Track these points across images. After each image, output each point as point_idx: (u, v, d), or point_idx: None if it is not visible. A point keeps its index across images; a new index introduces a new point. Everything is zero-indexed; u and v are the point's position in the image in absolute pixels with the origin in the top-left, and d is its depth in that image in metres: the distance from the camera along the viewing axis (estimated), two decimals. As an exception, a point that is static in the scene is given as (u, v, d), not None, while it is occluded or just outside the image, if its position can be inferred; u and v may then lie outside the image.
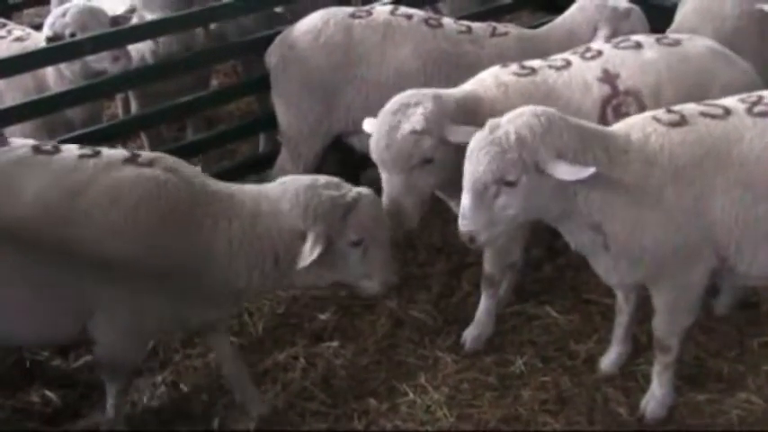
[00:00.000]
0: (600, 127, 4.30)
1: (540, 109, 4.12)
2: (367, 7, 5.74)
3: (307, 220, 4.07)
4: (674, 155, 4.10)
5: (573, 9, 5.88)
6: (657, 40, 5.08)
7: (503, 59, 5.15)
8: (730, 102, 4.32)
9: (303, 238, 4.07)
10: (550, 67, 4.97)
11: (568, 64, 4.97)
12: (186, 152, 5.80)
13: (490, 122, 4.06)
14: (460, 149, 4.19)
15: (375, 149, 4.57)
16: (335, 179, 4.27)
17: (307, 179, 4.27)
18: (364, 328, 5.23)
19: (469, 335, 5.11)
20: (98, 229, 3.93)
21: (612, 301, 4.94)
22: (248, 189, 4.29)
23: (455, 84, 5.04)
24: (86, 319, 4.10)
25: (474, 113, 4.57)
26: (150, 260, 3.96)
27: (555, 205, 4.08)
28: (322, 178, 4.26)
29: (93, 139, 5.20)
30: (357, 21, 5.53)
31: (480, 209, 3.99)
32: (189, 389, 4.86)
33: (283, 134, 5.77)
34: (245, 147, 7.16)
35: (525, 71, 4.92)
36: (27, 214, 3.92)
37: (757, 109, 4.22)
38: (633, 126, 4.25)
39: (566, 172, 3.91)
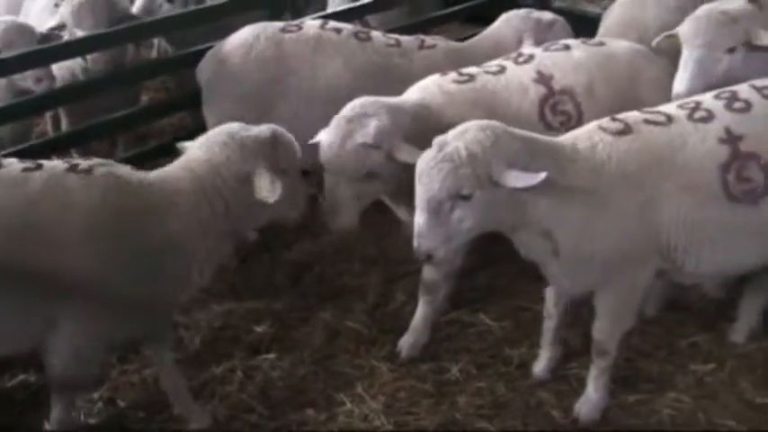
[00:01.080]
0: (546, 137, 4.41)
1: (484, 123, 4.22)
2: (297, 21, 5.81)
3: (247, 160, 4.18)
4: (620, 162, 4.24)
5: (499, 21, 6.07)
6: (583, 42, 5.39)
7: (432, 71, 5.26)
8: (671, 108, 4.51)
9: (248, 179, 4.17)
10: (487, 72, 5.14)
11: (503, 69, 5.15)
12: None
13: (437, 140, 4.13)
14: (408, 166, 4.29)
15: (324, 154, 4.65)
16: (236, 123, 4.41)
17: (223, 129, 4.38)
18: (300, 340, 5.26)
19: (406, 343, 5.16)
20: (54, 240, 3.91)
21: (544, 308, 5.08)
22: (178, 165, 4.35)
23: (386, 97, 5.11)
24: (44, 332, 4.06)
25: (426, 123, 4.66)
26: (111, 263, 3.97)
27: (509, 215, 4.17)
28: (234, 125, 4.39)
29: (22, 157, 5.15)
30: (288, 35, 5.60)
31: (437, 226, 4.06)
32: (126, 404, 4.84)
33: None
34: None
35: (464, 78, 5.06)
36: None
37: (697, 115, 4.39)
38: (579, 136, 4.38)
39: (518, 180, 3.99)
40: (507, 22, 6.03)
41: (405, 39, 5.83)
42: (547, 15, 6.04)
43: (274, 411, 4.77)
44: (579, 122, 4.88)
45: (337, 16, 6.39)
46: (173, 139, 6.52)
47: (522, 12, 6.07)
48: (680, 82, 5.01)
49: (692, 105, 4.47)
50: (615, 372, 4.80)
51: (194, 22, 6.36)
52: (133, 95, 6.52)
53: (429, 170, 4.04)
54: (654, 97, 4.94)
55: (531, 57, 5.24)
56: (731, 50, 4.99)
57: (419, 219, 4.08)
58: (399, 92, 5.15)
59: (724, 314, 5.30)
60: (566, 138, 4.40)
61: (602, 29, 6.32)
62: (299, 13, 6.98)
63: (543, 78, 5.07)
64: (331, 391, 4.89)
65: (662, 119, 4.40)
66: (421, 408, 4.76)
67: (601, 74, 5.15)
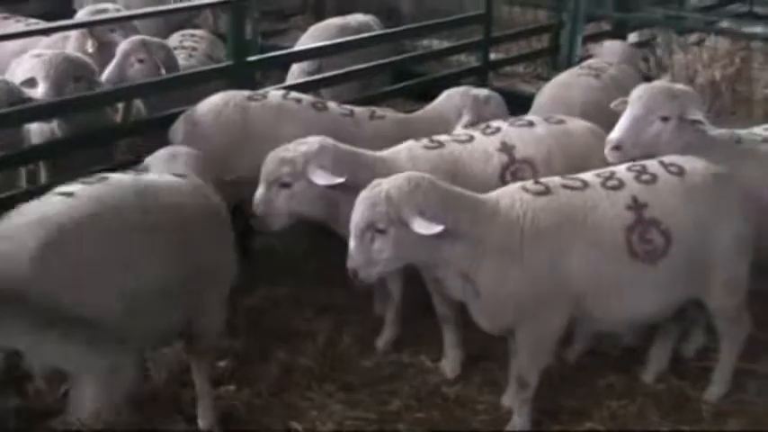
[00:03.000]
0: (472, 194, 4.98)
1: (414, 174, 4.89)
2: (262, 91, 6.33)
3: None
4: (536, 219, 4.85)
5: (441, 98, 6.67)
6: (546, 119, 6.06)
7: (380, 139, 5.86)
8: (588, 176, 5.13)
9: None
10: (455, 141, 5.83)
11: (471, 138, 5.83)
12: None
13: (374, 182, 4.81)
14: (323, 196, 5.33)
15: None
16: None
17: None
18: (258, 374, 5.68)
19: (447, 366, 5.80)
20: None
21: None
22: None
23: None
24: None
25: (380, 174, 5.15)
26: None
27: (423, 254, 4.79)
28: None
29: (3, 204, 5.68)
30: (253, 103, 6.11)
31: (361, 250, 4.73)
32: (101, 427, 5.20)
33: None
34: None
35: (434, 144, 5.76)
36: None
37: (610, 183, 5.03)
38: (503, 194, 5.01)
39: (420, 226, 4.63)
40: (449, 98, 6.63)
41: (357, 109, 6.39)
42: (483, 92, 6.65)
43: (235, 436, 5.21)
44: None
45: (297, 88, 6.98)
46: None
47: (461, 89, 6.67)
48: (615, 130, 5.65)
49: (607, 175, 5.12)
50: (540, 405, 5.33)
51: (166, 88, 6.86)
52: (108, 153, 6.89)
53: (360, 202, 4.75)
54: None
55: (497, 129, 5.89)
56: (665, 119, 5.62)
57: (351, 242, 4.78)
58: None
59: (637, 359, 5.85)
60: (491, 195, 5.02)
61: (535, 106, 7.02)
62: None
63: (506, 147, 5.73)
64: (286, 419, 5.33)
65: (579, 184, 5.04)
66: (366, 434, 5.25)
67: (559, 148, 5.80)
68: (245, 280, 5.80)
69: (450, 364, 5.79)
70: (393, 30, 8.57)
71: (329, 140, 5.51)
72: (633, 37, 10.05)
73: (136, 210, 4.43)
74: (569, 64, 8.73)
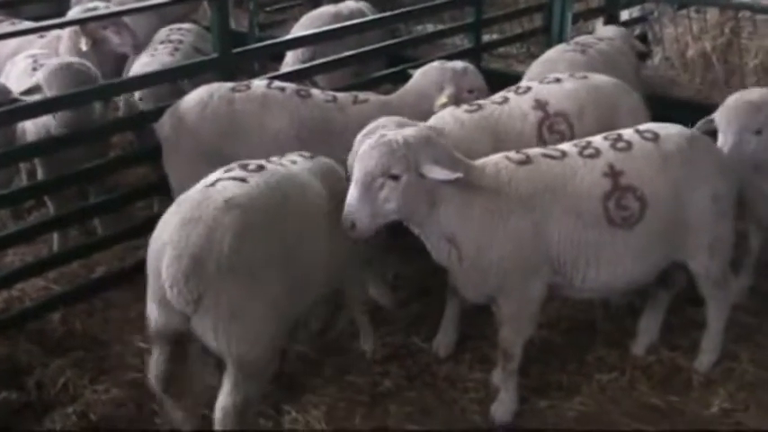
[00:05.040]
0: (464, 158, 5.06)
1: (422, 126, 5.29)
2: (246, 82, 6.36)
3: None
4: (519, 186, 4.96)
5: (417, 76, 6.67)
6: (571, 76, 6.25)
7: (365, 123, 5.81)
8: (566, 146, 5.26)
9: None
10: (493, 102, 6.04)
11: (506, 100, 6.04)
12: (89, 214, 6.54)
13: (380, 132, 4.99)
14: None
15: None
16: None
17: None
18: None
19: (440, 343, 5.89)
20: None
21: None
22: None
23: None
24: None
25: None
26: None
27: (423, 209, 4.88)
28: None
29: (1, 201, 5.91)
30: (238, 94, 6.13)
31: (366, 200, 4.77)
32: (97, 419, 5.36)
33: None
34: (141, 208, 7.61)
35: (474, 108, 6.00)
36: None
37: (586, 152, 5.14)
38: (488, 162, 5.10)
39: (439, 173, 4.75)
40: (425, 75, 6.61)
41: (340, 95, 6.42)
42: (459, 64, 6.65)
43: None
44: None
45: (290, 76, 7.06)
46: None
47: (434, 64, 6.66)
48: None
49: (584, 144, 5.22)
50: (528, 382, 5.45)
51: (154, 82, 6.94)
52: (102, 149, 7.00)
53: (370, 150, 4.80)
54: (629, 123, 5.65)
55: (528, 88, 6.13)
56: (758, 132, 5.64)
57: (352, 192, 4.79)
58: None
59: (627, 332, 5.93)
60: (478, 162, 5.10)
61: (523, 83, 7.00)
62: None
63: (540, 104, 5.98)
64: (279, 402, 5.42)
65: (558, 154, 5.15)
66: (357, 416, 5.34)
67: (589, 100, 6.02)
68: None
69: (444, 340, 5.87)
70: (383, 15, 8.54)
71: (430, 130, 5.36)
72: (625, 14, 10.02)
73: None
74: (561, 41, 8.68)
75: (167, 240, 4.41)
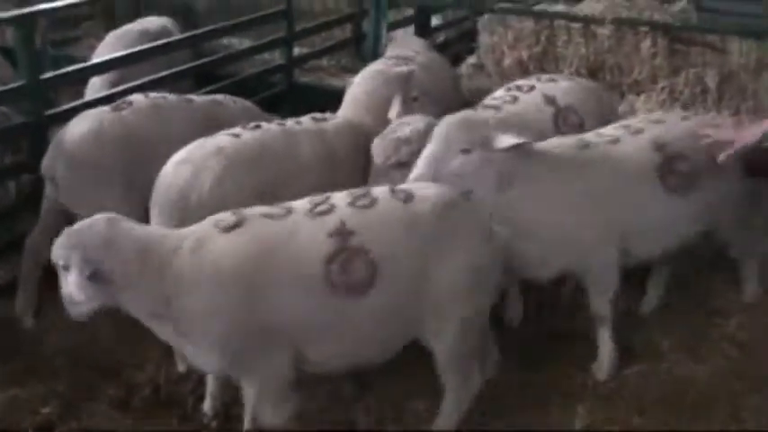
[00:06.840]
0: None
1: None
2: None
3: None
4: (223, 257, 4.44)
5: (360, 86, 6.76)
6: (548, 79, 6.76)
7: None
8: (297, 203, 4.70)
9: None
10: (505, 102, 6.42)
11: (515, 99, 6.45)
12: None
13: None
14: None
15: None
16: None
17: None
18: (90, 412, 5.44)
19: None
20: None
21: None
22: None
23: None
24: None
25: None
26: None
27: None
28: None
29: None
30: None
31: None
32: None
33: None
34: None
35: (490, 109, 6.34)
36: None
37: (318, 209, 4.59)
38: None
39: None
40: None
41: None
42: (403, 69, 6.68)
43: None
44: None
45: (101, 100, 6.62)
46: None
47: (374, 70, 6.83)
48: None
49: (319, 200, 4.68)
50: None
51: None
52: None
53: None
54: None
55: (531, 87, 6.56)
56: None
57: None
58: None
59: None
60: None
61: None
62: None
63: (549, 99, 6.45)
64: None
65: (282, 212, 4.62)
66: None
67: (586, 94, 6.61)
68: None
69: None
70: (195, 32, 8.14)
71: None
72: (436, 20, 10.03)
73: None
74: (376, 53, 8.54)
75: None
